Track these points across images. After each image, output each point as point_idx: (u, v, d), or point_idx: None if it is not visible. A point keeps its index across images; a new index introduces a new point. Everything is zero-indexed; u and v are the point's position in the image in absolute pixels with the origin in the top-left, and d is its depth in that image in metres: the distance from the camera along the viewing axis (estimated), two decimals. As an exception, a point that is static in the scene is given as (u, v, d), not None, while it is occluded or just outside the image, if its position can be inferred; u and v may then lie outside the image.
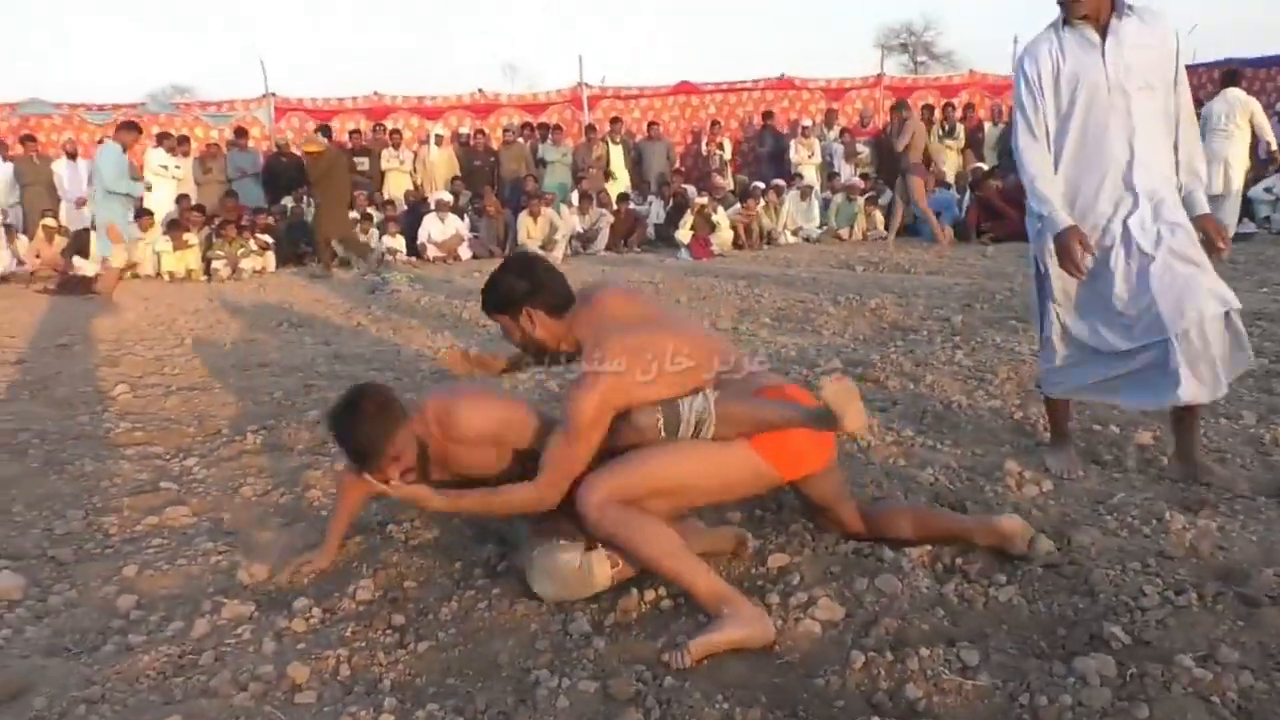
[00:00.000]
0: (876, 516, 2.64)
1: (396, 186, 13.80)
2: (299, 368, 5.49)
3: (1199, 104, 12.53)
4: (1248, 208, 11.31)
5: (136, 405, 4.74)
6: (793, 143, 14.30)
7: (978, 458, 3.31)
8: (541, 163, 14.18)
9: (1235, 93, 9.73)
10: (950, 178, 13.51)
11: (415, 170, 14.25)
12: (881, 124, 15.21)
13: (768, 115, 15.06)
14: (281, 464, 3.68)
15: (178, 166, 12.70)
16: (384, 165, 13.90)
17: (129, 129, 9.48)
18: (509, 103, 15.32)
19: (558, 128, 14.34)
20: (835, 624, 2.17)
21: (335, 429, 2.48)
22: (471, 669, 2.07)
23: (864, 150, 14.40)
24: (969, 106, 14.96)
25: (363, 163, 13.78)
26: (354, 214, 12.28)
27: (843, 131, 14.51)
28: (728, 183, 13.70)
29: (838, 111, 15.05)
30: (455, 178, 13.82)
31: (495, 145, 14.51)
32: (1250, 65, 14.82)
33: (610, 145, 14.06)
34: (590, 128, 14.42)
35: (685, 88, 15.58)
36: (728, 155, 14.83)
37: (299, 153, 14.00)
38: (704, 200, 12.28)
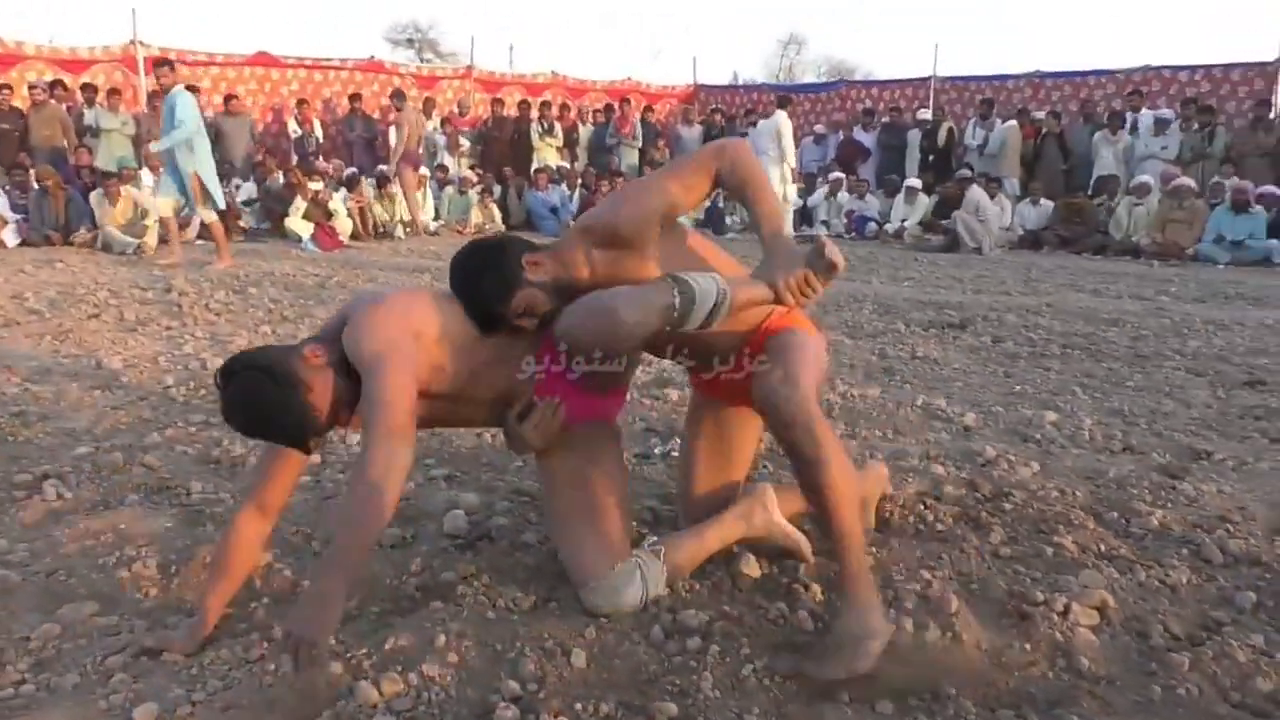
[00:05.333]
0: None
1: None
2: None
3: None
4: (809, 214, 13.13)
5: None
6: (392, 129, 13.54)
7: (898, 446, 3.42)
8: (92, 131, 11.84)
9: (778, 114, 11.26)
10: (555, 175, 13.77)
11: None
12: (477, 117, 15.10)
13: (355, 98, 14.10)
14: (135, 519, 2.61)
15: None
16: None
17: None
18: (38, 55, 12.52)
19: (114, 91, 12.05)
20: (1100, 628, 2.08)
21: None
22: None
23: (466, 143, 14.14)
24: (564, 106, 15.38)
25: None
26: None
27: (444, 122, 14.10)
28: (329, 167, 12.60)
29: (434, 100, 14.56)
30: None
31: (16, 104, 11.83)
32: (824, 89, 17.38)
33: (189, 117, 12.15)
34: (156, 94, 12.30)
35: (264, 59, 14.01)
36: (320, 137, 13.67)
37: None
38: (319, 186, 11.17)
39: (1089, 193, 11.54)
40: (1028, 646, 1.98)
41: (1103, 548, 2.47)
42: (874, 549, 2.42)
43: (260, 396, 1.89)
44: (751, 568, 2.31)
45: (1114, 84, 13.34)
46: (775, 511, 2.28)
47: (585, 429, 2.24)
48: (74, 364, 4.46)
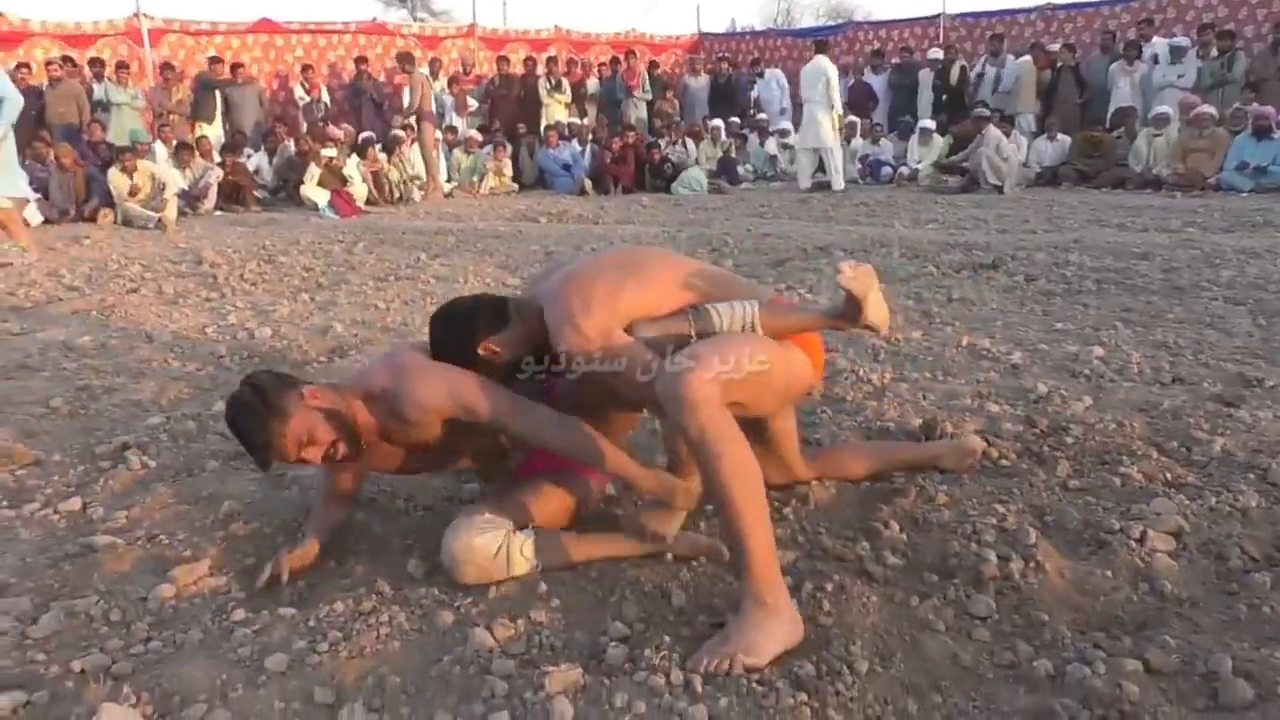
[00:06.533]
0: (829, 457, 2.61)
1: (-103, 132, 10.60)
2: (31, 366, 4.04)
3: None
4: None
5: None
6: (405, 91, 13.45)
7: (1018, 383, 3.47)
8: (102, 105, 11.84)
9: (820, 59, 11.07)
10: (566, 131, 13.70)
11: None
12: (481, 75, 14.98)
13: (361, 61, 14.00)
14: (220, 483, 2.69)
15: None
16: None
17: None
18: (43, 31, 12.46)
19: (122, 65, 12.00)
20: (1178, 552, 2.14)
21: (233, 430, 2.12)
22: None
23: (474, 103, 14.06)
24: (571, 62, 15.25)
25: None
26: None
27: (451, 82, 14.00)
28: (341, 133, 12.54)
29: (440, 61, 14.45)
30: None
31: (34, 82, 11.80)
32: (832, 32, 16.95)
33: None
34: (167, 65, 12.31)
35: (267, 25, 13.92)
36: (328, 102, 13.63)
37: None
38: (332, 152, 11.16)
39: (1106, 125, 11.45)
40: (1109, 573, 2.04)
41: (1169, 476, 2.53)
42: (945, 486, 2.49)
43: (242, 412, 2.07)
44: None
45: (1128, 13, 13.16)
46: (670, 529, 2.24)
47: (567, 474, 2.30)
48: (125, 338, 4.52)
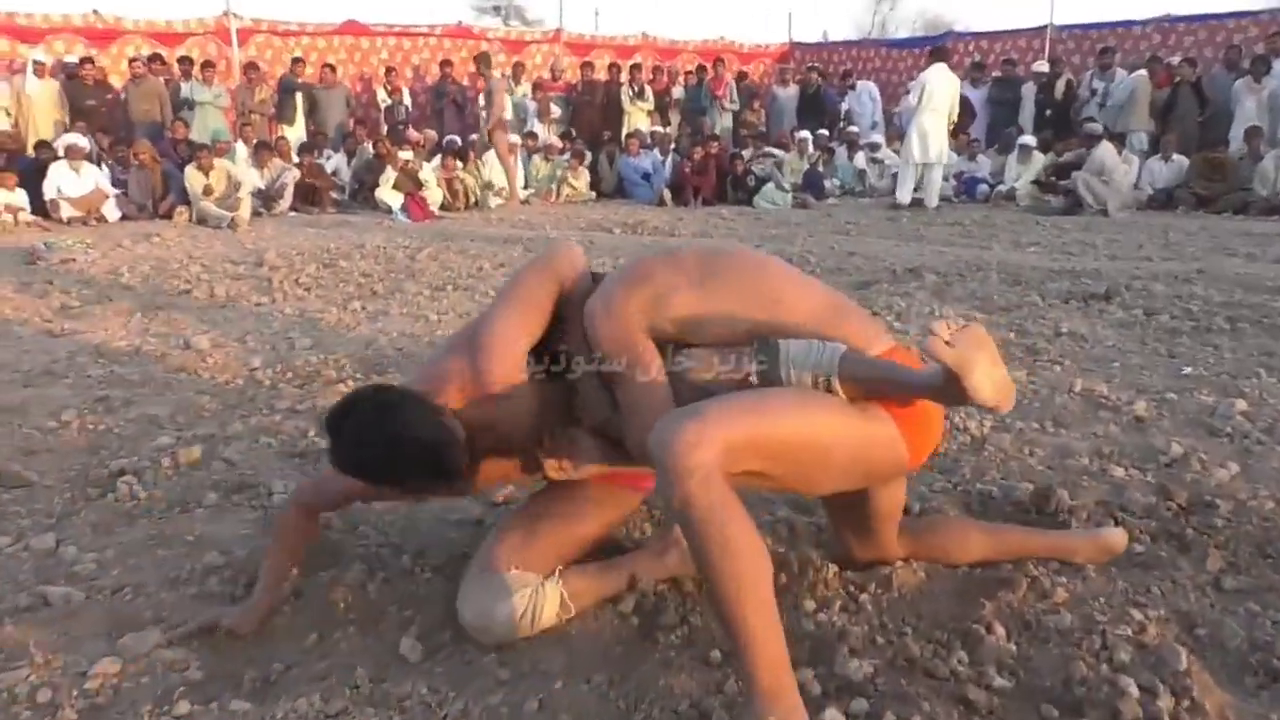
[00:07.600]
0: (929, 534, 2.10)
1: (-13, 125, 10.83)
2: (56, 372, 3.81)
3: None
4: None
5: None
6: (480, 97, 13.25)
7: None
8: (187, 104, 11.89)
9: (943, 69, 10.44)
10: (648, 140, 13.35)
11: (13, 108, 11.30)
12: (567, 82, 14.72)
13: (446, 64, 13.88)
14: (212, 523, 2.36)
15: None
16: (-29, 98, 10.84)
17: None
18: (135, 29, 12.60)
19: (208, 64, 12.05)
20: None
21: (382, 460, 1.71)
22: None
23: (558, 110, 13.80)
24: (656, 69, 14.91)
25: (-63, 94, 10.66)
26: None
27: (534, 88, 13.77)
28: (420, 137, 12.40)
29: (524, 65, 14.25)
30: (73, 120, 11.08)
31: (115, 80, 11.97)
32: (932, 43, 16.17)
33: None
34: (252, 65, 12.33)
35: (353, 27, 13.89)
36: (409, 105, 13.52)
37: None
38: (409, 156, 10.99)
39: (1228, 145, 10.61)
40: (1291, 720, 1.55)
41: None
42: (1064, 579, 2.01)
43: (393, 421, 1.70)
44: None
45: (1256, 25, 12.21)
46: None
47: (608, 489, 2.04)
48: (162, 343, 4.28)
